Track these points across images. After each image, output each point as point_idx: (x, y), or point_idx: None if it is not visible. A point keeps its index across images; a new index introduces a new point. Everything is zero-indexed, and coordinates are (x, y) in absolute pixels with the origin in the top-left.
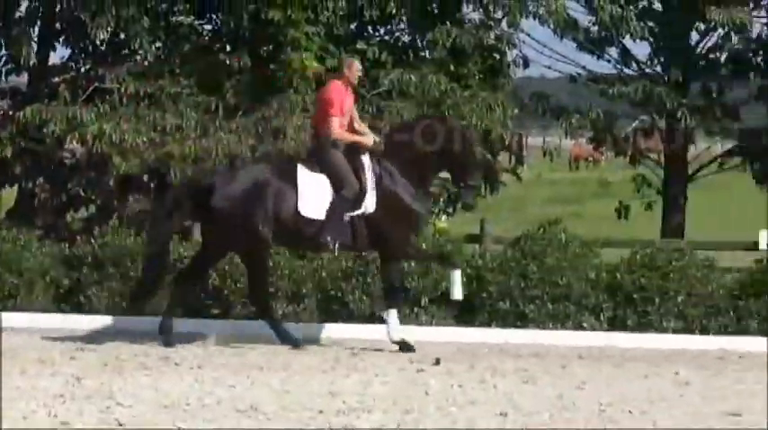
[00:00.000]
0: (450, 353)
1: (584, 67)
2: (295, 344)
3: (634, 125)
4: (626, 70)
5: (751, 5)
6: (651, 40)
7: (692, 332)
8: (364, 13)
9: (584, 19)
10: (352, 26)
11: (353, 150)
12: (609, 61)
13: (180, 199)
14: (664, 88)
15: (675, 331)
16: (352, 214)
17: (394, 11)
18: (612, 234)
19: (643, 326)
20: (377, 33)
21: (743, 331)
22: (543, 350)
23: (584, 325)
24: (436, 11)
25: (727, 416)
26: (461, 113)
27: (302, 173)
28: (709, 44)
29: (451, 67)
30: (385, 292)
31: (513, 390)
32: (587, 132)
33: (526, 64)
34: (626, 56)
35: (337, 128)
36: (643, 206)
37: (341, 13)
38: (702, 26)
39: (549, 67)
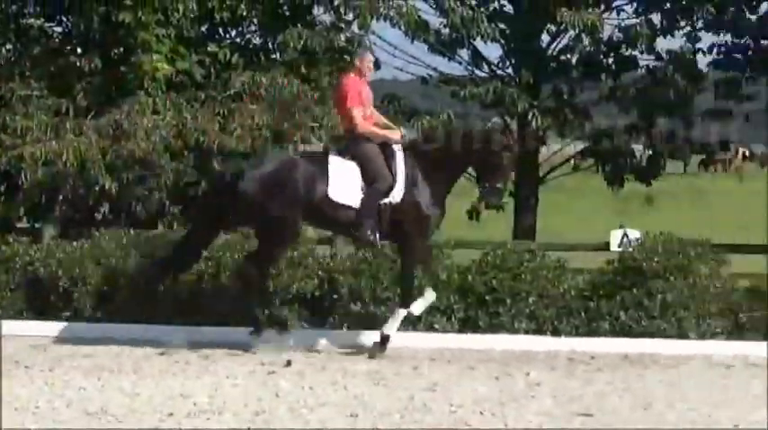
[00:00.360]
0: (301, 354)
1: (435, 69)
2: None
3: (486, 127)
4: (477, 72)
5: (602, 7)
6: (502, 41)
7: (543, 333)
8: (215, 16)
9: (436, 21)
10: (203, 28)
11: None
12: (460, 63)
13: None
14: (515, 90)
15: (527, 332)
16: (380, 202)
17: (245, 13)
18: (464, 235)
19: (494, 327)
20: (228, 35)
21: (594, 332)
22: (395, 352)
23: (436, 326)
24: (287, 13)
25: (578, 416)
26: (313, 115)
27: (334, 160)
28: (560, 46)
29: (302, 69)
30: (401, 291)
31: (365, 392)
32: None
33: (377, 66)
34: (477, 57)
35: (361, 119)
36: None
37: (191, 15)
38: (553, 28)
39: (401, 69)
